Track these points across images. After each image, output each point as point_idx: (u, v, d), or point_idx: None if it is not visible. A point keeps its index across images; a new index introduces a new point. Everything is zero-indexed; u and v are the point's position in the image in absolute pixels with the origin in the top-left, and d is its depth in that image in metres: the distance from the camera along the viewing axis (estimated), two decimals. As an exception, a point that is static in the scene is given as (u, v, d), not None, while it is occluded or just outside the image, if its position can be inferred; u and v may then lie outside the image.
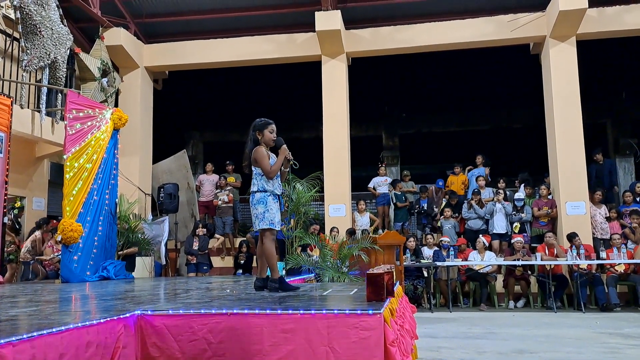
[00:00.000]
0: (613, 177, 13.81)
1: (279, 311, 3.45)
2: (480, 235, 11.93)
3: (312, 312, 3.40)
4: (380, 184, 13.90)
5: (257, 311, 3.48)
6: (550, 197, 12.47)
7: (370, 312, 3.30)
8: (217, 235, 13.48)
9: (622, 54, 16.51)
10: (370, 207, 14.13)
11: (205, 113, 20.24)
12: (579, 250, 10.87)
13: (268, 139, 5.40)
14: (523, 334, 8.00)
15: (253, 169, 5.37)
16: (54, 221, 11.45)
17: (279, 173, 5.44)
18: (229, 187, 14.01)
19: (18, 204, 11.63)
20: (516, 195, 12.73)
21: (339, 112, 13.12)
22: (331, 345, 3.28)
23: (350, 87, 13.51)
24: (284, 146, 5.44)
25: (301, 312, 3.41)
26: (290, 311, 3.43)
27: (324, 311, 3.40)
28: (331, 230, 12.03)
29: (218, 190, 13.97)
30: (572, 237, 11.15)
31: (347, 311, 3.35)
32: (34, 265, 10.56)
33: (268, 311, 3.46)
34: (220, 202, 13.73)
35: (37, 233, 10.76)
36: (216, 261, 13.18)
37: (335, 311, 3.37)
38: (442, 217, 12.97)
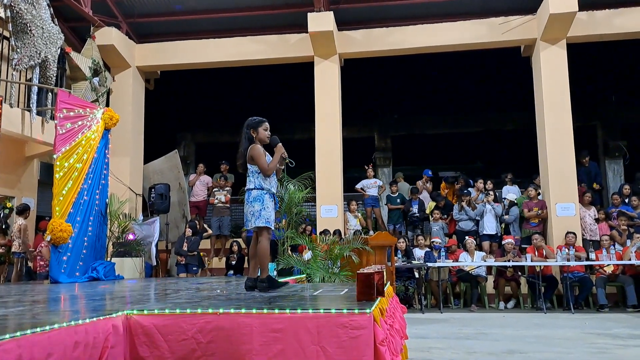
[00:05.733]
0: (598, 178, 13.91)
1: (269, 311, 3.45)
2: (467, 237, 11.99)
3: (302, 311, 3.40)
4: (370, 186, 13.91)
5: (246, 311, 3.48)
6: (540, 197, 12.54)
7: (360, 311, 3.31)
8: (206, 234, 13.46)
9: (611, 57, 16.62)
10: (360, 209, 14.12)
11: (197, 113, 20.20)
12: (574, 246, 11.12)
13: (262, 137, 5.40)
14: (513, 335, 8.03)
15: (249, 166, 5.37)
16: (45, 221, 11.42)
17: (274, 171, 5.44)
18: (227, 188, 13.98)
19: (9, 205, 11.56)
20: (509, 196, 12.78)
21: (331, 113, 13.12)
22: (321, 345, 3.28)
23: (342, 88, 13.51)
24: (280, 144, 5.45)
25: (291, 311, 3.41)
26: (280, 311, 3.43)
27: (314, 311, 3.40)
28: (322, 232, 11.97)
29: (216, 189, 13.94)
30: (567, 234, 11.38)
31: (337, 311, 3.35)
32: (21, 259, 10.53)
33: (258, 311, 3.46)
34: (216, 202, 13.70)
35: (21, 221, 10.66)
36: (213, 262, 13.25)
37: (325, 311, 3.37)
38: (432, 219, 13.01)
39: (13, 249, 10.62)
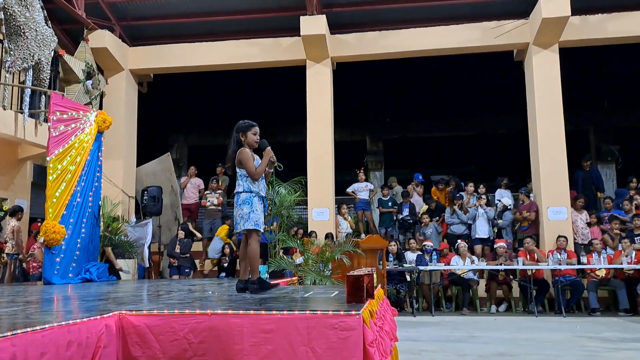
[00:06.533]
0: (599, 183, 14.00)
1: (259, 311, 3.48)
2: (459, 240, 12.04)
3: (293, 312, 3.43)
4: (361, 189, 13.95)
5: (237, 311, 3.51)
6: (532, 199, 12.60)
7: (349, 313, 3.34)
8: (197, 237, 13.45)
9: (604, 62, 16.70)
10: (351, 212, 14.18)
11: (190, 116, 20.23)
12: (565, 250, 11.25)
13: (251, 141, 5.41)
14: (504, 338, 8.08)
15: (237, 170, 5.39)
16: (37, 223, 11.43)
17: (263, 175, 5.47)
18: (219, 190, 13.99)
19: (5, 207, 11.54)
20: (504, 200, 12.84)
21: (323, 116, 13.15)
22: (311, 346, 3.31)
23: (335, 92, 13.55)
24: (268, 148, 5.46)
25: (281, 312, 3.44)
26: (270, 312, 3.46)
27: (304, 312, 3.43)
28: (310, 234, 12.01)
29: (208, 192, 13.94)
30: (558, 238, 11.46)
31: (326, 312, 3.38)
32: (14, 260, 10.54)
33: (249, 311, 3.49)
34: (208, 204, 13.70)
35: (14, 222, 10.66)
36: (205, 264, 13.30)
37: (315, 312, 3.40)
38: (422, 224, 13.04)
39: (6, 251, 10.62)
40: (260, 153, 5.47)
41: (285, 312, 3.43)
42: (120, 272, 10.54)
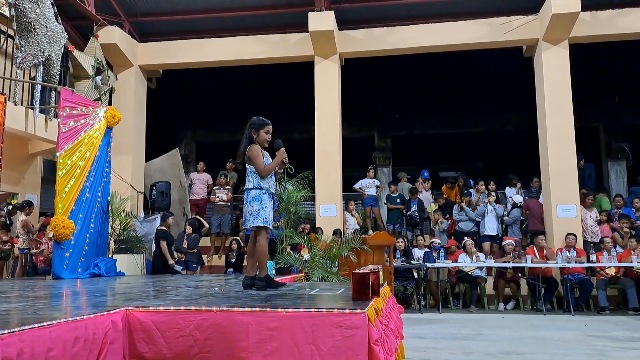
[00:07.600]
0: (588, 181, 13.94)
1: (264, 309, 3.50)
2: (465, 238, 12.02)
3: (298, 310, 3.45)
4: (369, 185, 13.95)
5: (243, 308, 3.52)
6: (541, 200, 12.58)
7: (354, 311, 3.35)
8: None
9: (614, 58, 16.59)
10: (359, 208, 14.19)
11: (198, 112, 20.27)
12: (574, 248, 11.22)
13: (262, 140, 5.42)
14: (511, 336, 8.07)
15: (247, 166, 5.41)
16: (45, 217, 11.51)
17: (273, 172, 5.48)
18: (228, 186, 14.01)
19: (14, 202, 11.63)
20: (515, 197, 12.83)
21: (331, 112, 13.14)
22: (315, 343, 3.32)
23: (342, 88, 13.53)
24: (282, 149, 5.46)
25: (286, 310, 3.45)
26: (276, 309, 3.48)
27: (309, 309, 3.44)
28: (316, 230, 12.00)
29: (217, 187, 13.97)
30: (567, 235, 11.41)
31: (331, 310, 3.39)
32: (25, 255, 10.64)
33: (254, 309, 3.51)
34: (217, 200, 13.73)
35: (23, 216, 10.75)
36: (213, 260, 13.35)
37: (320, 310, 3.41)
38: (433, 219, 13.03)
39: (17, 245, 10.71)
40: (273, 152, 5.47)
41: (290, 310, 3.45)
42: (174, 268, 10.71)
